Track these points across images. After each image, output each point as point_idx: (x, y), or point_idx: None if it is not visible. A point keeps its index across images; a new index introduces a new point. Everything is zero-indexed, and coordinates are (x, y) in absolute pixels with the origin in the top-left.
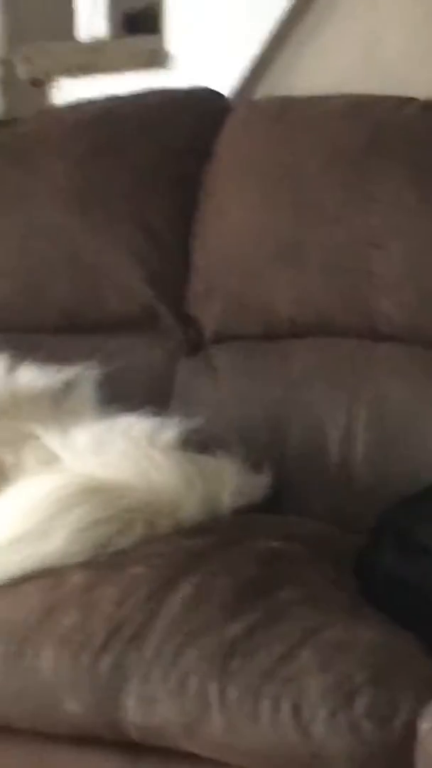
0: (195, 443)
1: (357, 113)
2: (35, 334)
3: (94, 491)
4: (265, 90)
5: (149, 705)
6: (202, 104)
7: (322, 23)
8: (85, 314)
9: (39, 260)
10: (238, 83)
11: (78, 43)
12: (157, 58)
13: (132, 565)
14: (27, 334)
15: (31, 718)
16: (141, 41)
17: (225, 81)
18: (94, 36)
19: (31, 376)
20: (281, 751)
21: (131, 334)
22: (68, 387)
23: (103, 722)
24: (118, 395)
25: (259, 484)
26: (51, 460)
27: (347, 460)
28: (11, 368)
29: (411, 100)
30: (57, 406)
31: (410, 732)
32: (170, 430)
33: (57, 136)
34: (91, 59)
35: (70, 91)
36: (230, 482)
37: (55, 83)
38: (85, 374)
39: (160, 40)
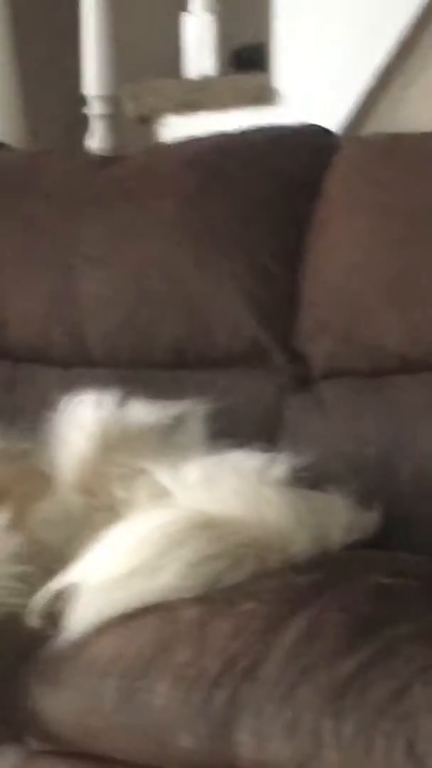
0: (305, 479)
1: None
2: (145, 369)
3: (205, 526)
4: (372, 127)
5: (262, 741)
6: (311, 141)
7: (429, 60)
8: (195, 350)
9: (149, 296)
10: (345, 120)
11: (185, 80)
12: (264, 95)
13: (244, 600)
14: (137, 369)
15: (143, 753)
16: (249, 78)
17: (333, 118)
18: (201, 73)
19: (142, 412)
20: None
21: (240, 369)
22: (178, 422)
23: (216, 757)
24: (227, 430)
25: (369, 520)
26: (161, 495)
27: None
28: (122, 403)
29: None
30: (167, 441)
31: None
32: (280, 465)
33: (166, 172)
34: (199, 96)
35: (177, 128)
36: (340, 518)
37: (162, 120)
38: (194, 409)
39: (268, 77)
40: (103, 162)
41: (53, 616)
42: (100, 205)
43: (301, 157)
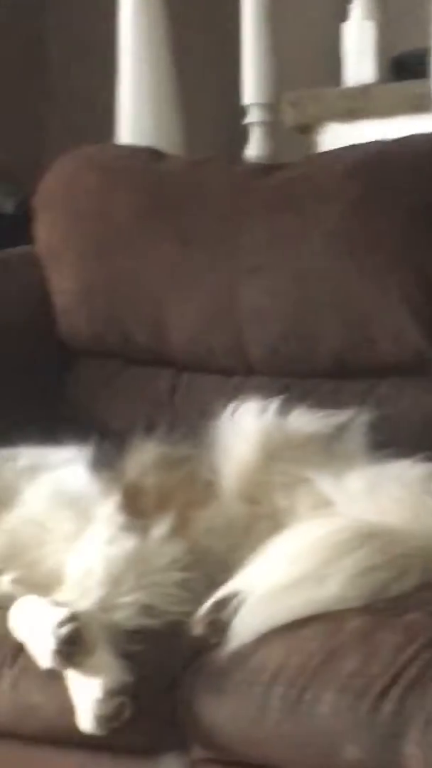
0: None
1: None
2: (307, 378)
3: (369, 536)
4: None
5: (431, 753)
6: None
7: None
8: (356, 358)
9: (310, 304)
10: None
11: (345, 88)
12: (426, 103)
13: (410, 611)
14: (298, 378)
15: (308, 764)
16: (409, 85)
17: None
18: (361, 81)
19: (304, 421)
20: None
21: (402, 378)
22: (340, 431)
23: None
24: (389, 440)
25: None
26: (324, 504)
27: None
28: (284, 413)
29: None
30: (329, 450)
31: None
32: None
33: (327, 180)
34: (359, 104)
35: (336, 136)
36: None
37: (321, 128)
38: (356, 418)
39: (429, 85)
40: (264, 170)
41: (217, 624)
42: (261, 214)
43: None
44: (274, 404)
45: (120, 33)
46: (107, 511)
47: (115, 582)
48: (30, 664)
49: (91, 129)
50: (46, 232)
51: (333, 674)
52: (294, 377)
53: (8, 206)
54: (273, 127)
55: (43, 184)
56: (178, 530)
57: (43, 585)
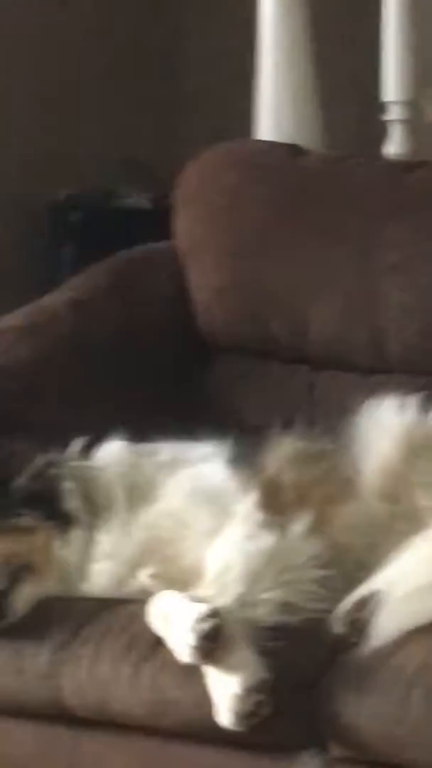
0: None
1: None
2: None
3: None
4: None
5: None
6: None
7: None
8: None
9: None
10: None
11: None
12: None
13: None
14: None
15: None
16: None
17: None
18: None
19: None
20: None
21: None
22: None
23: None
24: None
25: None
26: None
27: None
28: (425, 410)
29: None
30: None
31: None
32: None
33: None
34: None
35: None
36: None
37: None
38: None
39: None
40: (405, 167)
41: (358, 623)
42: (403, 211)
43: None
44: (415, 402)
45: (259, 31)
46: (246, 507)
47: (254, 579)
48: (168, 659)
49: (227, 125)
50: (186, 227)
51: None
52: None
53: (146, 202)
54: (413, 124)
55: (183, 180)
56: (317, 527)
57: (180, 580)
